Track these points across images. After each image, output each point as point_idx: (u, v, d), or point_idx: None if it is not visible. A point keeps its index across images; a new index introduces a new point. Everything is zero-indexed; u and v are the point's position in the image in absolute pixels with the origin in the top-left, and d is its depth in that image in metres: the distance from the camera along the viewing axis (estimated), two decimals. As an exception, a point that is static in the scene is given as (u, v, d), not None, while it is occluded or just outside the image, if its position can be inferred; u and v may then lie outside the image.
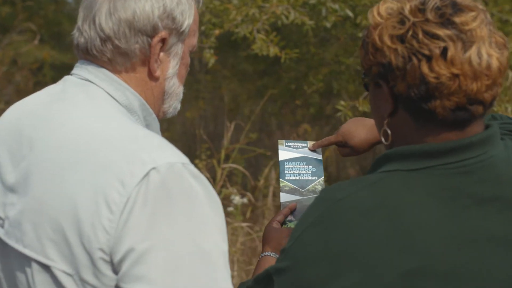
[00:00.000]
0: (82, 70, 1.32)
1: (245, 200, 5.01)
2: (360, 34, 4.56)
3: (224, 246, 1.15)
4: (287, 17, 4.25)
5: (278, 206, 5.34)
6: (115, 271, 1.12)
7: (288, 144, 1.87)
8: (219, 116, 8.05)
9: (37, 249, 1.17)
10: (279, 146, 1.86)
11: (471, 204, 1.19)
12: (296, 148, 1.86)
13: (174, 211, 1.11)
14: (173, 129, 7.98)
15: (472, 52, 1.16)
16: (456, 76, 1.16)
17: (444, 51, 1.16)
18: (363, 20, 4.40)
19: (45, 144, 1.21)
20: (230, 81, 8.05)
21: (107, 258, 1.12)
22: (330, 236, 1.19)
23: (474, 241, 1.18)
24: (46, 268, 1.16)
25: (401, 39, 1.19)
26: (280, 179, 1.81)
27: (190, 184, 1.14)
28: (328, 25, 4.43)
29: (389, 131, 1.27)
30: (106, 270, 1.12)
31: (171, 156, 1.16)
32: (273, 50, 4.09)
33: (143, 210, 1.10)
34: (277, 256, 1.66)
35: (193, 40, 1.39)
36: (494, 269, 1.18)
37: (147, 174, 1.12)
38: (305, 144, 1.87)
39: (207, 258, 1.11)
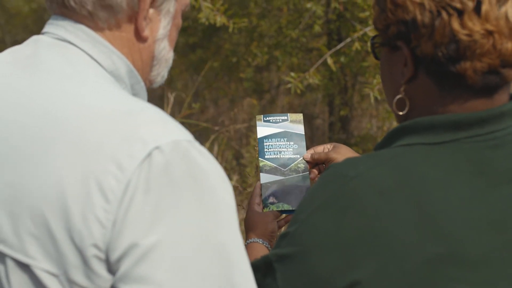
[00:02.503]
0: (57, 28, 1.09)
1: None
2: (308, 5, 4.42)
3: (240, 235, 0.98)
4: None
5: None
6: (112, 270, 0.94)
7: (267, 118, 1.73)
8: (151, 91, 7.79)
9: (14, 244, 0.96)
10: (257, 122, 1.72)
11: (502, 181, 1.08)
12: (276, 122, 1.72)
13: (182, 198, 0.93)
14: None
15: (509, 7, 1.05)
16: (490, 33, 1.04)
17: (478, 4, 1.04)
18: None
19: (17, 121, 1.00)
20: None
21: (102, 256, 0.93)
22: (344, 220, 1.05)
23: (505, 223, 1.07)
24: (25, 267, 0.96)
25: None
26: (260, 158, 1.68)
27: (199, 166, 0.96)
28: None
29: (406, 99, 1.14)
30: (101, 269, 0.94)
31: (175, 132, 0.97)
32: (220, 19, 3.91)
33: (146, 198, 0.92)
34: (265, 242, 1.54)
35: None
36: None
37: (149, 155, 0.93)
38: (286, 117, 1.73)
39: (222, 253, 0.95)
